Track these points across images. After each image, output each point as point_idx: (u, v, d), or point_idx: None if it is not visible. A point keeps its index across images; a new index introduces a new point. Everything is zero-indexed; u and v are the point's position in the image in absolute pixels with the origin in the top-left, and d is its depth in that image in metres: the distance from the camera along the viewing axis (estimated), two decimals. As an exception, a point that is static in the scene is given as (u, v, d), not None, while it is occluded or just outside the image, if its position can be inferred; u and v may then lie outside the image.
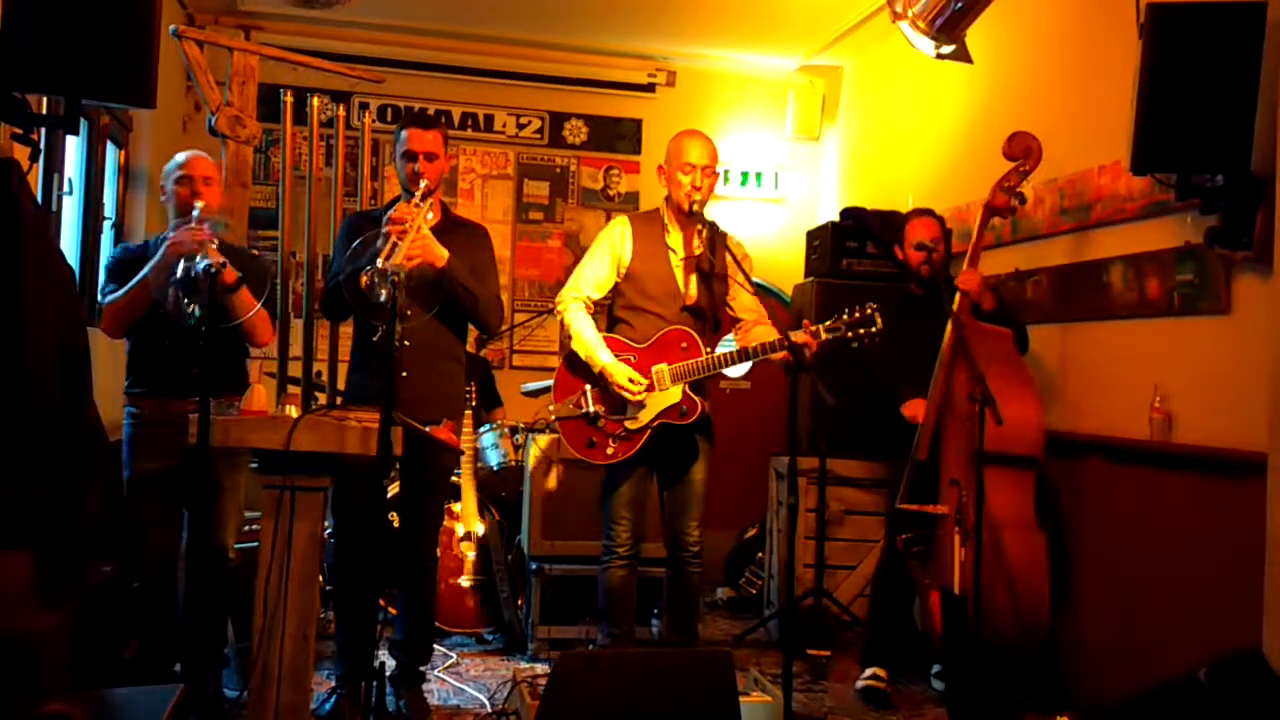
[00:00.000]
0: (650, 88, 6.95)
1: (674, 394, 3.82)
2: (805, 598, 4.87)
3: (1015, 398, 3.90)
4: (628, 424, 3.84)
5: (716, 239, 3.88)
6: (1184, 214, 3.71)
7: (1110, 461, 4.06)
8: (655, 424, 3.83)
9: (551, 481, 4.84)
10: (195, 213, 3.55)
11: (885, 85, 6.43)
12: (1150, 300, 3.91)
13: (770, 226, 6.99)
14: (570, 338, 3.96)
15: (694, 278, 3.92)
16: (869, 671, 4.35)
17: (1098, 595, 4.09)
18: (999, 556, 3.85)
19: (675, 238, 3.95)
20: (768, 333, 3.80)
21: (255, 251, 4.66)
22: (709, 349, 3.82)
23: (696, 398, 3.82)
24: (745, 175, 7.04)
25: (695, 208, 3.82)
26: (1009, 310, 4.28)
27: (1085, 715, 3.74)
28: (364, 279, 3.24)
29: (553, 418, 4.04)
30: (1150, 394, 3.82)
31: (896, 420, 4.27)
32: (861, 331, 3.63)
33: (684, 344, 3.83)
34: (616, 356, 3.86)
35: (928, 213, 4.48)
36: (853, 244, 5.46)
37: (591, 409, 3.88)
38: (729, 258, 3.87)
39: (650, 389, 3.82)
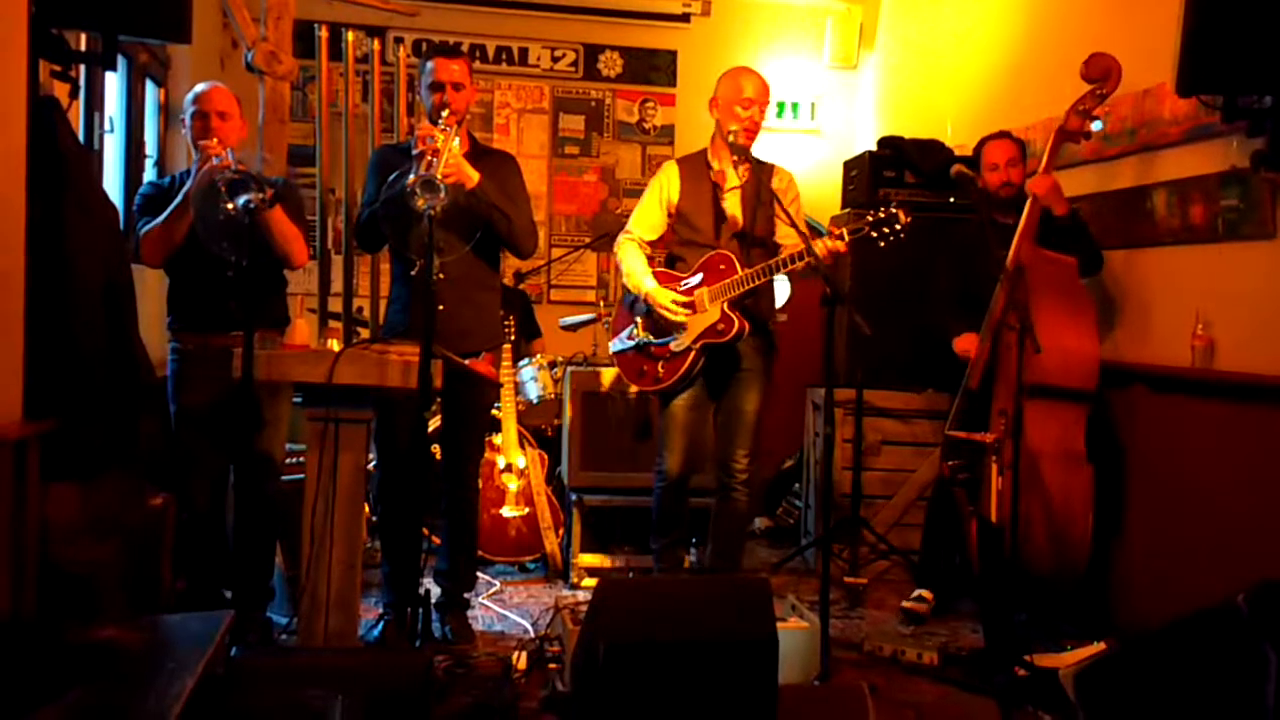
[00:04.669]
0: (685, 17, 6.84)
1: (713, 313, 3.88)
2: (841, 527, 4.90)
3: (1069, 329, 3.87)
4: (673, 346, 3.95)
5: (763, 171, 3.98)
6: (1229, 137, 3.63)
7: (1152, 390, 4.03)
8: (698, 345, 3.90)
9: (590, 414, 4.88)
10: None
11: (925, 10, 6.30)
12: (1194, 226, 3.85)
13: (808, 158, 6.89)
14: (625, 275, 4.05)
15: (739, 205, 3.98)
16: (916, 593, 4.41)
17: (1142, 524, 4.09)
18: (1040, 489, 3.85)
19: (722, 171, 4.02)
20: (795, 248, 3.77)
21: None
22: (745, 268, 3.84)
23: (734, 315, 3.86)
24: (781, 106, 6.94)
25: (744, 140, 3.89)
26: (1082, 223, 4.13)
27: (1125, 641, 3.75)
28: (410, 181, 3.26)
29: (611, 352, 4.22)
30: (1192, 321, 3.78)
31: (949, 354, 4.26)
32: (886, 230, 3.59)
33: (722, 265, 3.90)
34: (663, 286, 3.95)
35: (1003, 135, 4.35)
36: (890, 174, 5.35)
37: (641, 337, 4.01)
38: (773, 187, 3.94)
39: (693, 311, 3.90)
